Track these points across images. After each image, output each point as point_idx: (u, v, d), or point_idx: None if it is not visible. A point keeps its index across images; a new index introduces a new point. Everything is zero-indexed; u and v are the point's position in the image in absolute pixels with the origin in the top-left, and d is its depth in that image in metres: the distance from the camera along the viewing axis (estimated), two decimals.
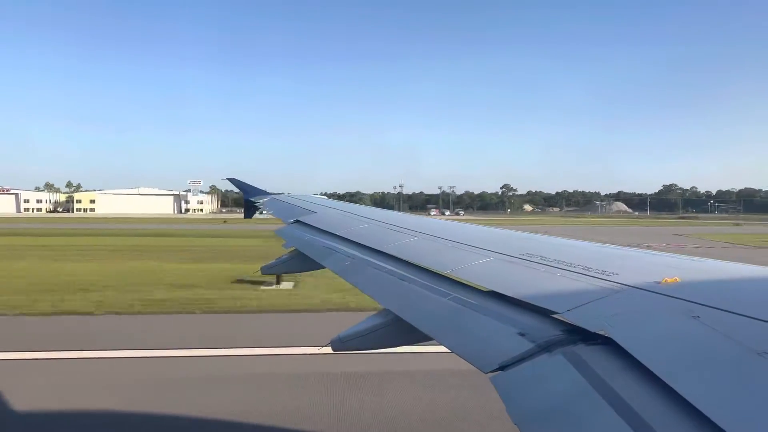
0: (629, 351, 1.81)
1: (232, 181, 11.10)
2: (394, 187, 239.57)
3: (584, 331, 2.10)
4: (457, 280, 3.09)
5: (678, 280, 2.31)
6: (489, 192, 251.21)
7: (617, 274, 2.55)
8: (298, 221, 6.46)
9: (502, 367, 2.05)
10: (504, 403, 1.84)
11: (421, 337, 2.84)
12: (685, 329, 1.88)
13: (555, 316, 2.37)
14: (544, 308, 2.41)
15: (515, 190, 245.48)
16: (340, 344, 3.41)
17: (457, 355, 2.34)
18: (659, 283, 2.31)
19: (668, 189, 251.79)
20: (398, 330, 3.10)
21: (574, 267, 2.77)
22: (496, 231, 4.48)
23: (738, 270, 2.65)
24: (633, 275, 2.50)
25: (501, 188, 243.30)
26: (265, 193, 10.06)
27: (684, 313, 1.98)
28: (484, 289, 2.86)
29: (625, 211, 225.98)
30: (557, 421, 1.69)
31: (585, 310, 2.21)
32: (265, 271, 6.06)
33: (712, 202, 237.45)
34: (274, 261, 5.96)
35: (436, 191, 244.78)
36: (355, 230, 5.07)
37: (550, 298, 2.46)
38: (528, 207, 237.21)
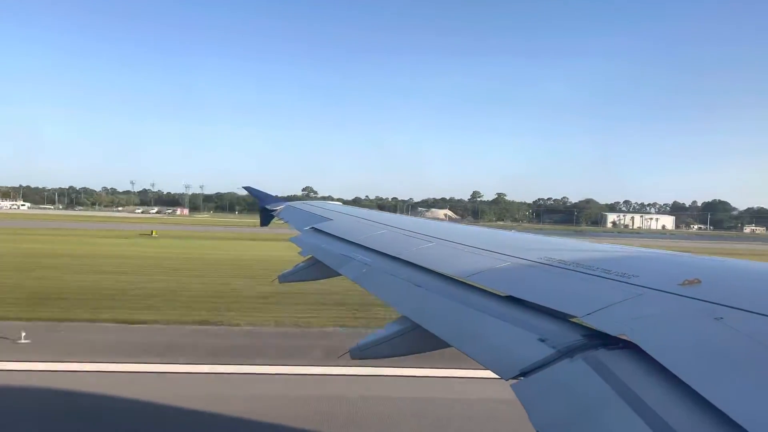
0: (652, 355, 1.79)
1: (248, 189, 11.18)
2: (186, 187, 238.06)
3: (605, 335, 2.08)
4: (475, 285, 3.08)
5: (699, 281, 2.28)
6: (297, 195, 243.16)
7: (638, 276, 2.52)
8: (314, 228, 6.48)
9: (523, 374, 2.04)
10: (526, 410, 1.82)
11: (439, 344, 2.83)
12: (708, 331, 1.84)
13: (575, 320, 2.35)
14: (564, 312, 2.39)
15: (316, 193, 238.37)
16: (359, 352, 3.41)
17: (477, 362, 2.32)
18: (680, 284, 2.28)
19: (475, 196, 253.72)
20: (416, 337, 3.09)
21: (594, 270, 2.74)
22: (513, 235, 4.46)
23: (761, 269, 2.60)
24: (653, 277, 2.47)
25: (302, 191, 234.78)
26: (279, 201, 10.11)
27: (707, 314, 1.95)
28: (502, 294, 2.84)
29: (436, 218, 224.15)
30: (581, 429, 1.67)
31: (605, 313, 2.19)
32: (283, 279, 6.07)
33: (529, 211, 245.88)
34: (290, 270, 5.97)
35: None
36: (372, 237, 5.07)
37: (570, 302, 2.43)
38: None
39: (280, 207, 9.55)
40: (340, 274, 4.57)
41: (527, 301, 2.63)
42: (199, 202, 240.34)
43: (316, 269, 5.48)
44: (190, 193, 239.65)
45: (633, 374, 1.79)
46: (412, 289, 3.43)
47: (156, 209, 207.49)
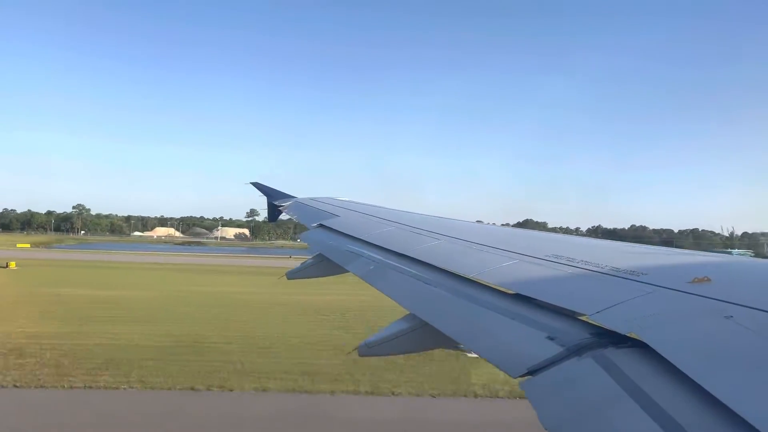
0: (662, 353, 1.78)
1: (256, 185, 11.20)
2: None
3: (614, 334, 2.07)
4: (483, 283, 3.08)
5: (709, 279, 2.27)
6: (59, 212, 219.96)
7: (647, 274, 2.51)
8: (321, 225, 6.49)
9: (531, 372, 2.04)
10: (534, 409, 1.82)
11: (447, 342, 2.84)
12: (718, 330, 1.84)
13: (583, 318, 2.34)
14: (572, 311, 2.39)
15: (89, 210, 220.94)
16: (367, 350, 3.41)
17: (485, 359, 2.33)
18: (690, 282, 2.27)
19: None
20: (424, 335, 3.09)
21: (602, 268, 2.74)
22: (520, 232, 4.45)
23: None
24: (663, 275, 2.46)
25: (73, 208, 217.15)
26: (288, 197, 10.12)
27: (716, 313, 1.94)
28: (510, 292, 2.84)
29: (226, 238, 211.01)
30: (590, 427, 1.67)
31: (614, 312, 2.18)
32: (291, 276, 6.08)
33: None
34: (298, 266, 5.98)
35: None
36: (379, 234, 5.08)
37: (578, 300, 2.43)
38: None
39: (287, 203, 9.56)
40: (348, 271, 4.58)
41: (535, 299, 2.62)
42: None
43: (323, 266, 5.49)
44: None
45: (642, 373, 1.78)
46: (419, 286, 3.43)
47: None
